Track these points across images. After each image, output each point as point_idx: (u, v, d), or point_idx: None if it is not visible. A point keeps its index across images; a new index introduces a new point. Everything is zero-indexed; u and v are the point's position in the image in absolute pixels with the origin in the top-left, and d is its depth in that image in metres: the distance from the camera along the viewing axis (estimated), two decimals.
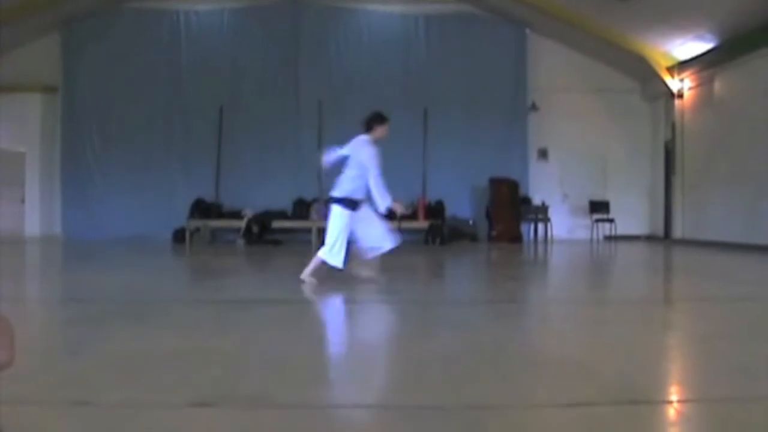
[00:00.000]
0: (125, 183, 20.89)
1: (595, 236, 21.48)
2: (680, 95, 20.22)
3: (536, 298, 8.68)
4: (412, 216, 20.15)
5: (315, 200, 20.36)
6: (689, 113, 20.09)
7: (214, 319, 6.29)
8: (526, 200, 21.34)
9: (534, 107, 21.59)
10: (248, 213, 19.77)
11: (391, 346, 5.01)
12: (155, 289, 8.83)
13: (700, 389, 3.92)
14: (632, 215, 21.95)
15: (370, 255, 9.05)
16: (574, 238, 21.68)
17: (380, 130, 9.10)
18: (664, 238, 21.06)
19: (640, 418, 3.28)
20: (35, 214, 21.06)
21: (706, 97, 19.19)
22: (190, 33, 21.49)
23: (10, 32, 18.56)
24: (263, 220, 19.65)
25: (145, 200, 20.77)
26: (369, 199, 9.02)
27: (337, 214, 9.04)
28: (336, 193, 9.18)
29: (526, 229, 21.24)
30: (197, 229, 19.74)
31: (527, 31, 21.77)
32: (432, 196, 20.71)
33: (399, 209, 9.10)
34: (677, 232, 20.41)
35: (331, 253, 8.87)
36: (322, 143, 20.98)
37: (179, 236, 19.56)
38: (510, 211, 20.38)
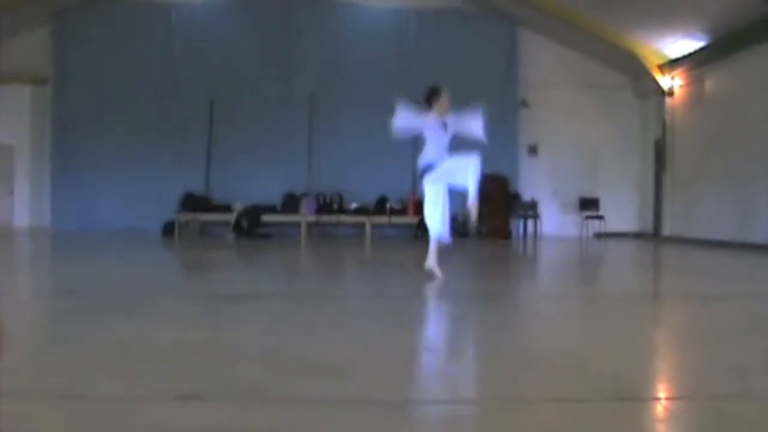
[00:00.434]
0: (115, 175, 20.79)
1: (584, 233, 21.51)
2: (671, 93, 20.27)
3: (526, 295, 8.69)
4: (402, 211, 20.16)
5: (304, 194, 20.34)
6: (680, 111, 20.14)
7: (204, 313, 6.28)
8: (516, 197, 21.35)
9: (525, 104, 21.60)
10: (238, 207, 19.71)
11: (383, 340, 5.00)
12: (145, 283, 8.80)
13: (689, 386, 3.93)
14: (622, 212, 21.98)
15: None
16: (563, 234, 21.70)
17: (439, 103, 9.28)
18: (653, 235, 21.10)
19: (629, 415, 3.28)
20: (24, 206, 20.98)
21: (696, 95, 19.24)
22: (182, 25, 21.39)
23: (0, 22, 18.45)
24: (253, 213, 19.60)
25: (135, 193, 20.68)
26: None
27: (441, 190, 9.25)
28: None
29: (516, 226, 21.25)
30: (187, 223, 19.69)
31: (519, 27, 21.76)
32: (422, 192, 20.64)
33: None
34: (667, 229, 20.46)
35: (439, 228, 9.07)
36: (312, 137, 21.01)
37: (168, 229, 19.48)
38: (500, 207, 20.38)
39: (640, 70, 20.56)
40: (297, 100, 21.09)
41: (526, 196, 21.49)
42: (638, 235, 21.87)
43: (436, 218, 9.11)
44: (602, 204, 21.58)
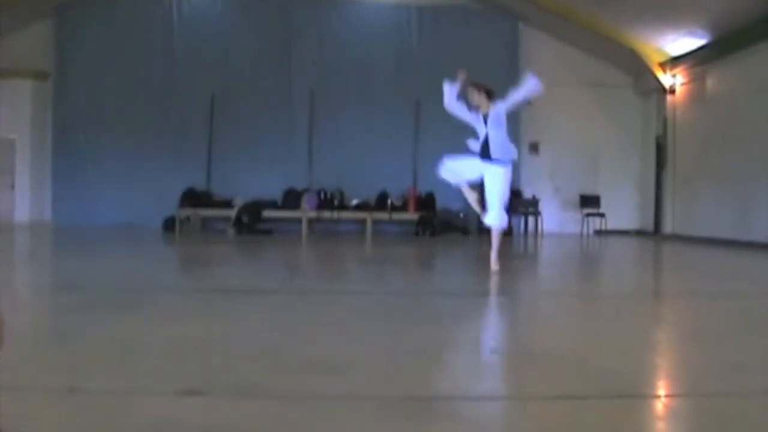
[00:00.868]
0: (116, 170, 20.79)
1: (585, 230, 21.51)
2: (672, 91, 20.26)
3: (526, 291, 8.69)
4: (403, 207, 20.17)
5: (305, 190, 20.34)
6: (681, 109, 20.13)
7: (204, 308, 6.28)
8: (517, 194, 21.33)
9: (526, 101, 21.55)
10: (239, 202, 19.71)
11: (382, 336, 5.01)
12: (145, 277, 8.81)
13: (688, 384, 3.94)
14: (623, 210, 21.98)
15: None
16: (564, 232, 21.70)
17: (471, 99, 10.04)
18: (654, 233, 21.10)
19: (628, 412, 3.28)
20: (25, 201, 20.96)
21: (698, 94, 19.23)
22: (183, 21, 21.39)
23: (1, 18, 18.44)
24: (253, 209, 19.60)
25: (136, 188, 20.69)
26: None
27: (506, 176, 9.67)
28: (500, 155, 9.62)
29: (517, 223, 21.24)
30: (187, 218, 19.69)
31: (520, 24, 21.75)
32: (423, 188, 20.67)
33: None
34: (667, 227, 20.46)
35: (498, 215, 9.55)
36: (313, 133, 21.01)
37: (169, 224, 19.49)
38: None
39: (641, 67, 20.55)
40: (298, 97, 21.09)
41: (528, 193, 21.48)
42: (639, 233, 21.87)
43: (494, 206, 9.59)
44: (603, 201, 21.58)
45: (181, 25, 21.36)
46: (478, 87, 9.74)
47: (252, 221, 19.34)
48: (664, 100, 20.57)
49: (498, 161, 9.46)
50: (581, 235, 21.32)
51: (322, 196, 20.28)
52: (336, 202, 20.28)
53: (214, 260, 12.26)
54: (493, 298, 7.70)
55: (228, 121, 20.91)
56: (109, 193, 20.71)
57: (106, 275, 8.88)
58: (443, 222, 20.17)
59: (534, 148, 22.02)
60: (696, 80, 19.26)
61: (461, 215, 20.90)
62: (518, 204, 21.13)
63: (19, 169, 20.96)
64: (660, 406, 3.47)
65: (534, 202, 21.31)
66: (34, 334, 4.98)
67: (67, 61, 20.94)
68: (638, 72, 21.08)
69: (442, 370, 4.03)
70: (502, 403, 3.42)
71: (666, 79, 20.19)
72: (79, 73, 20.90)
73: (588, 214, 21.51)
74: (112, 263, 10.68)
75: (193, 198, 20.09)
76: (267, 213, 19.75)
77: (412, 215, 19.97)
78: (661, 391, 3.81)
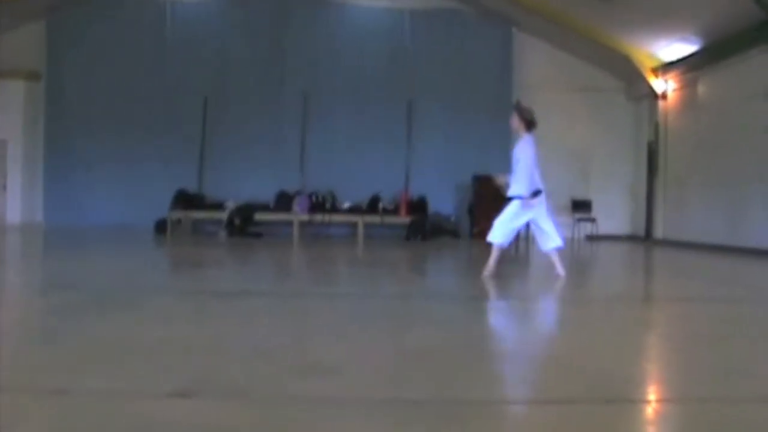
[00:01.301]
0: (108, 172, 20.76)
1: (576, 235, 21.53)
2: (664, 96, 20.31)
3: (518, 296, 8.69)
4: (395, 211, 20.17)
5: (297, 193, 20.33)
6: (673, 114, 20.18)
7: (195, 310, 6.27)
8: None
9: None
10: (230, 205, 19.69)
11: (374, 340, 5.01)
12: (136, 279, 8.79)
13: (679, 389, 3.94)
14: (614, 215, 22.01)
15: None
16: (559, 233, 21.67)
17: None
18: (645, 238, 21.13)
19: (618, 417, 3.29)
20: (17, 202, 20.91)
21: (689, 99, 19.28)
22: (176, 23, 21.39)
23: None
24: (245, 212, 19.58)
25: (128, 189, 20.67)
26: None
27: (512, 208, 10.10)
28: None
29: None
30: (179, 220, 19.66)
31: (513, 28, 21.78)
32: (414, 192, 20.69)
33: None
34: (658, 232, 20.50)
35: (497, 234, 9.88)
36: (305, 136, 21.01)
37: (161, 226, 19.46)
38: (492, 208, 20.29)
39: (633, 73, 20.59)
40: (290, 99, 21.09)
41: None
42: (630, 238, 21.90)
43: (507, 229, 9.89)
44: (594, 206, 21.61)
45: (174, 27, 21.35)
46: (519, 111, 9.80)
47: (244, 224, 19.32)
48: (656, 105, 20.62)
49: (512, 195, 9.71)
50: (572, 239, 21.33)
51: (314, 199, 20.26)
52: (327, 206, 20.26)
53: (205, 262, 12.24)
54: (484, 303, 7.70)
55: (220, 123, 20.90)
56: (101, 195, 20.67)
57: (97, 276, 8.86)
58: (434, 226, 20.18)
59: None
60: (688, 86, 19.31)
61: (452, 219, 20.93)
62: None
63: (11, 170, 20.91)
64: (650, 411, 3.48)
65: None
66: (24, 335, 4.96)
67: (59, 62, 20.91)
68: (630, 77, 21.12)
69: (432, 373, 4.02)
70: (493, 407, 3.42)
71: (658, 84, 20.24)
72: (71, 75, 20.87)
73: (579, 219, 21.54)
74: (103, 264, 10.65)
75: (185, 200, 20.05)
76: (259, 216, 19.72)
77: (403, 219, 19.97)
78: (652, 396, 3.82)
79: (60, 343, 4.55)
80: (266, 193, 20.45)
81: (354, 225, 20.00)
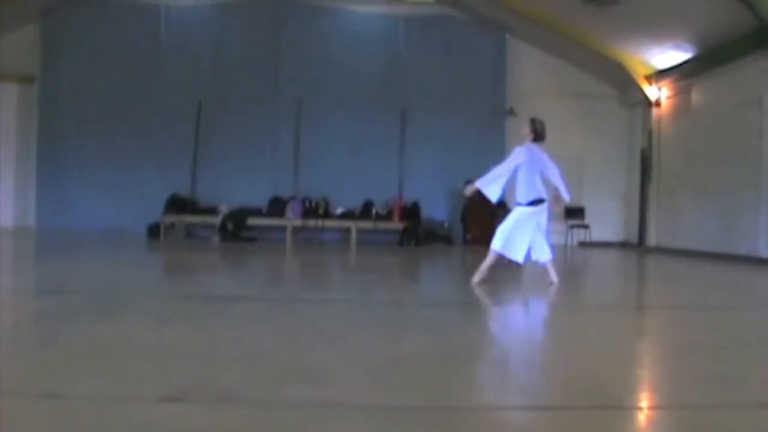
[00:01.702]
0: (101, 176, 20.71)
1: (569, 242, 21.55)
2: (657, 104, 20.34)
3: (510, 303, 8.70)
4: (388, 216, 20.17)
5: (291, 198, 20.32)
6: (666, 122, 20.21)
7: (186, 315, 6.26)
8: (502, 204, 21.25)
9: (512, 112, 21.53)
10: (224, 209, 19.67)
11: (365, 346, 5.00)
12: (129, 284, 8.77)
13: (671, 396, 3.94)
14: (607, 222, 22.03)
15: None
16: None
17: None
18: (638, 245, 21.15)
19: (610, 424, 3.29)
20: (9, 205, 20.84)
21: (683, 107, 19.31)
22: (171, 27, 21.36)
23: None
24: (239, 217, 19.56)
25: (121, 193, 20.61)
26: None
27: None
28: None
29: None
30: (172, 225, 19.63)
31: (507, 35, 21.80)
32: (408, 198, 20.70)
33: None
34: (651, 239, 20.52)
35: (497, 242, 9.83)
36: (299, 142, 21.00)
37: (154, 231, 19.43)
38: (485, 215, 20.36)
39: (627, 80, 20.62)
40: (284, 104, 21.06)
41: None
42: (623, 245, 21.92)
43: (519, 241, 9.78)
44: (588, 213, 21.62)
45: (168, 31, 21.33)
46: (533, 122, 9.97)
47: (237, 229, 19.30)
48: (649, 112, 20.65)
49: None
50: (565, 246, 21.35)
51: (307, 204, 20.26)
52: (321, 211, 20.25)
53: (198, 267, 12.22)
54: (477, 309, 7.70)
55: (214, 127, 20.86)
56: (94, 198, 20.60)
57: (90, 281, 8.83)
58: (427, 232, 20.18)
59: None
60: (681, 93, 19.34)
61: (445, 225, 20.93)
62: (502, 215, 21.11)
63: (3, 173, 20.82)
64: (643, 417, 3.48)
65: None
66: (16, 339, 4.95)
67: (53, 65, 20.85)
68: (624, 84, 21.16)
69: (424, 379, 4.02)
70: (485, 413, 3.41)
71: (651, 91, 20.27)
72: (65, 78, 20.82)
73: (572, 226, 21.55)
74: (95, 269, 10.62)
75: (178, 204, 20.03)
76: (252, 221, 19.70)
77: (396, 225, 19.97)
78: (645, 403, 3.82)
79: (53, 346, 4.54)
80: (259, 198, 20.44)
81: (347, 230, 19.99)
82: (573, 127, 21.79)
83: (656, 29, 17.97)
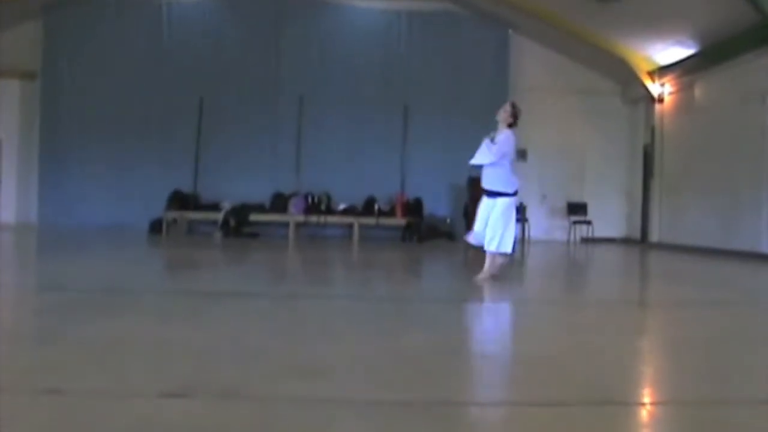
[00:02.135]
0: (103, 172, 20.68)
1: (572, 238, 21.53)
2: (660, 100, 20.30)
3: (512, 299, 8.68)
4: (390, 212, 20.16)
5: (293, 194, 20.30)
6: (669, 118, 20.18)
7: (189, 311, 6.26)
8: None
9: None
10: (226, 205, 19.66)
11: (367, 342, 5.00)
12: (131, 280, 8.77)
13: (673, 391, 3.94)
14: (610, 218, 21.99)
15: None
16: (551, 239, 21.71)
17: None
18: (640, 241, 21.13)
19: (613, 419, 3.28)
20: (11, 202, 20.83)
21: (686, 103, 19.28)
22: (172, 23, 21.33)
23: None
24: (241, 213, 19.56)
25: (123, 190, 20.58)
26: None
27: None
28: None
29: None
30: (174, 221, 19.63)
31: (510, 31, 21.76)
32: (410, 194, 20.68)
33: None
34: (654, 235, 20.49)
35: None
36: (301, 137, 20.98)
37: (156, 227, 19.43)
38: None
39: (630, 76, 20.59)
40: (286, 100, 21.02)
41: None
42: (625, 241, 21.89)
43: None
44: (590, 209, 21.59)
45: (170, 27, 21.30)
46: (513, 107, 9.60)
47: (239, 225, 19.30)
48: (652, 108, 20.62)
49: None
50: (568, 242, 21.34)
51: (310, 200, 20.23)
52: (323, 207, 20.23)
53: (200, 263, 12.23)
54: (479, 305, 7.70)
55: (216, 123, 20.82)
56: (96, 195, 20.58)
57: (91, 277, 8.84)
58: (430, 228, 20.16)
59: (522, 155, 21.98)
60: (684, 89, 19.31)
61: (447, 221, 20.90)
62: None
63: (5, 170, 20.81)
64: (645, 413, 3.47)
65: (521, 209, 21.28)
66: (17, 335, 4.95)
67: (55, 61, 20.82)
68: (626, 80, 21.12)
69: (425, 375, 4.01)
70: (486, 408, 3.41)
71: (654, 87, 20.24)
72: (67, 74, 20.80)
73: (575, 222, 21.54)
74: (97, 265, 10.63)
75: (180, 200, 20.02)
76: (254, 216, 19.69)
77: (399, 221, 19.96)
78: (647, 399, 3.81)
79: (54, 343, 4.54)
80: (262, 194, 20.42)
81: (349, 226, 19.98)
82: (576, 123, 21.79)
83: (659, 25, 17.94)
